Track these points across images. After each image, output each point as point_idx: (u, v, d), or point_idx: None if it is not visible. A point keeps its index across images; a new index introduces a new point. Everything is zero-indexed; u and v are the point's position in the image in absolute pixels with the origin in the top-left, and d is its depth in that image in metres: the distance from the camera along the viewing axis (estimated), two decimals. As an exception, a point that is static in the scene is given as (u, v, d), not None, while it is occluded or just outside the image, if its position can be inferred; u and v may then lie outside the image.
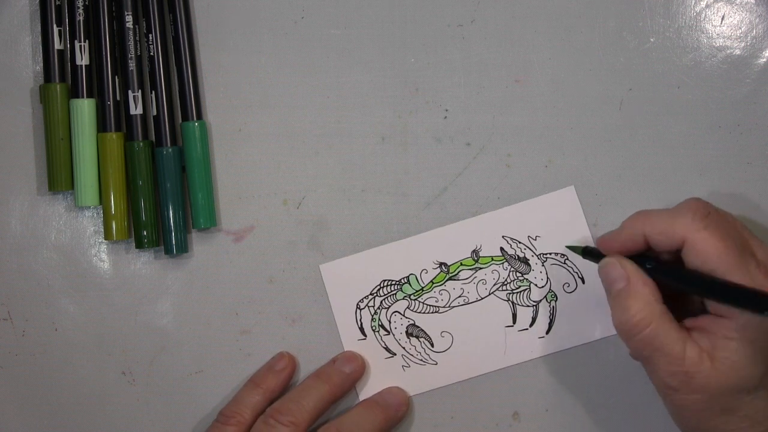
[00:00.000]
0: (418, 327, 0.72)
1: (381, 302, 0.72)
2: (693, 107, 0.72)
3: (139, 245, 0.72)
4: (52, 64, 0.72)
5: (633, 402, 0.72)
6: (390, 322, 0.73)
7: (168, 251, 0.72)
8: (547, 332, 0.72)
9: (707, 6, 0.72)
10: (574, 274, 0.72)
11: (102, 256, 0.74)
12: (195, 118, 0.72)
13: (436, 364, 0.72)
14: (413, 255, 0.72)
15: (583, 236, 0.72)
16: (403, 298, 0.73)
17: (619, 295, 0.65)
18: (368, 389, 0.72)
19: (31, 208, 0.74)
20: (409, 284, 0.72)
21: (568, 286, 0.72)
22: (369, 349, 0.72)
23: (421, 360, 0.72)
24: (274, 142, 0.73)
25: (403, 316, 0.72)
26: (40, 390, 0.74)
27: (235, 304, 0.73)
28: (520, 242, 0.72)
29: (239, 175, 0.73)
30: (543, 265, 0.72)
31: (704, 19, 0.72)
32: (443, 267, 0.72)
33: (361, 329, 0.73)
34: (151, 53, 0.71)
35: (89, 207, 0.73)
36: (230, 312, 0.73)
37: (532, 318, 0.72)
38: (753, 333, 0.62)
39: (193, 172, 0.72)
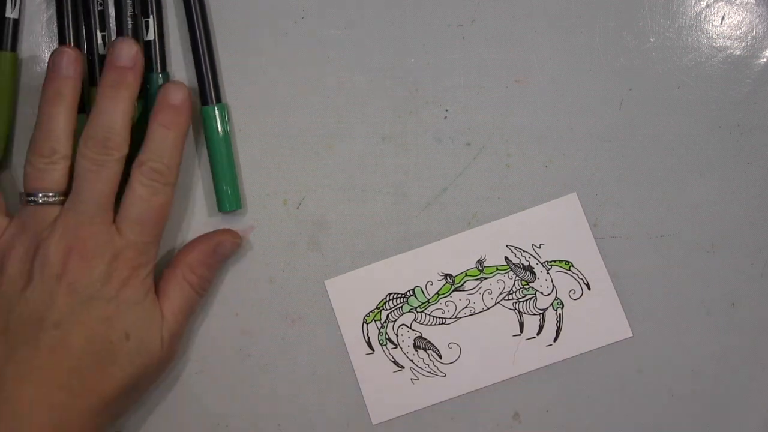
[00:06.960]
0: (425, 339, 0.72)
1: (387, 316, 0.72)
2: (693, 107, 0.72)
3: None
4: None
5: (633, 403, 0.72)
6: (397, 335, 0.72)
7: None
8: (555, 340, 0.72)
9: (707, 6, 0.72)
10: (579, 281, 0.72)
11: (102, 256, 0.74)
12: (214, 102, 0.72)
13: (445, 375, 0.72)
14: (418, 267, 0.72)
15: (587, 244, 0.72)
16: (410, 311, 0.72)
17: None
18: (379, 405, 0.72)
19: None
20: (415, 297, 0.72)
21: (574, 292, 0.72)
22: (377, 363, 0.72)
23: (430, 372, 0.72)
24: (274, 142, 0.73)
25: (410, 329, 0.72)
26: (40, 390, 0.74)
27: (235, 304, 0.73)
28: (524, 251, 0.72)
29: (239, 175, 0.73)
30: (548, 273, 0.72)
31: (704, 19, 0.72)
32: (448, 278, 0.72)
33: (369, 344, 0.72)
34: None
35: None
36: (230, 312, 0.73)
37: (539, 326, 0.72)
38: None
39: (216, 156, 0.72)
